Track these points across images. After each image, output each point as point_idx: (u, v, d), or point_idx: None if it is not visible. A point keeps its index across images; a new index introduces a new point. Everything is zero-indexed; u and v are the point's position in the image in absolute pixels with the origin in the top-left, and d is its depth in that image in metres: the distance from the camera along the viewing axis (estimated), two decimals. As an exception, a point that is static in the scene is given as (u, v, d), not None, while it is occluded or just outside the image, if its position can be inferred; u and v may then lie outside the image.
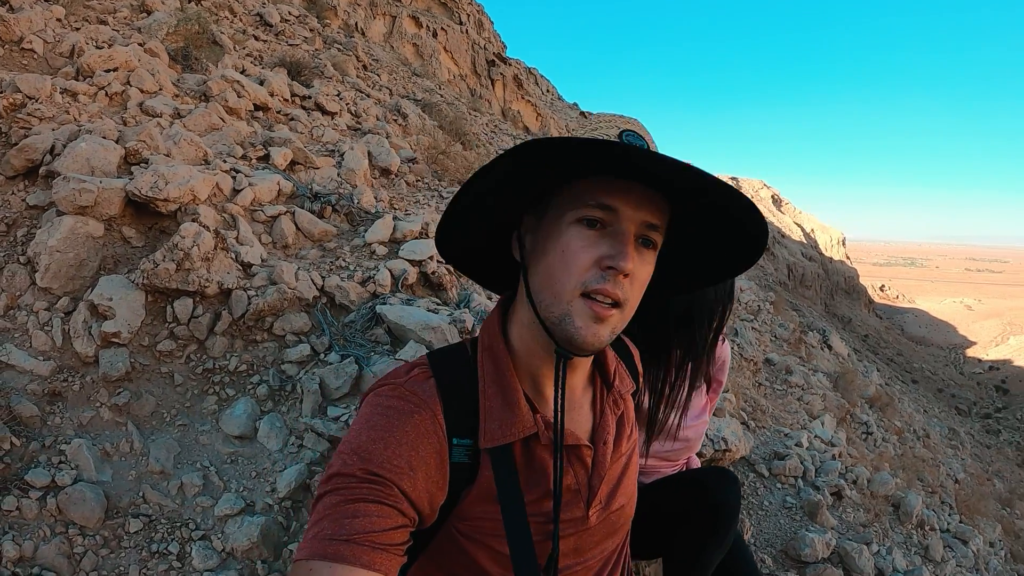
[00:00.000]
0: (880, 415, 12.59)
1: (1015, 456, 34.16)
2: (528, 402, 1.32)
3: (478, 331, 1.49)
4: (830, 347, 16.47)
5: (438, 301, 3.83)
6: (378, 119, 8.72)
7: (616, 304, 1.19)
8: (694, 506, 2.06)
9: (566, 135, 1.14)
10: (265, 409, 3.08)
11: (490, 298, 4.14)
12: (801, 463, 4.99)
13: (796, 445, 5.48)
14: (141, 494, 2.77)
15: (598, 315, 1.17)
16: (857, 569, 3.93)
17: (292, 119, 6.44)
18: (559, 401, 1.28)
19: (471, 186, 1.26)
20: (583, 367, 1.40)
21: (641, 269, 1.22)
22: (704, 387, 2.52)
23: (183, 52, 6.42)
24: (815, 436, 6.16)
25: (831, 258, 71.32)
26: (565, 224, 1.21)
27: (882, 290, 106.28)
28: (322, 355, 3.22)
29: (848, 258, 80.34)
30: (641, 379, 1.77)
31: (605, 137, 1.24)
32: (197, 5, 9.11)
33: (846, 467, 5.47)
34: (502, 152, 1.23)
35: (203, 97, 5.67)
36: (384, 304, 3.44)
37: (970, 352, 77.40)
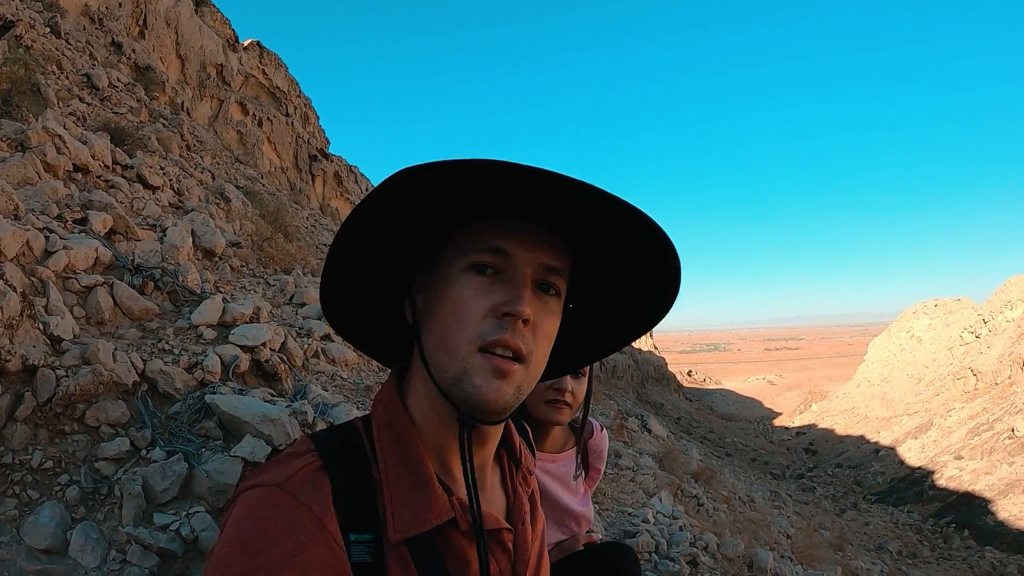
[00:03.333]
0: (707, 487, 13.17)
1: (832, 507, 37.64)
2: (440, 483, 1.13)
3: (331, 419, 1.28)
4: (650, 430, 17.58)
5: (273, 392, 3.50)
6: (201, 200, 8.31)
7: (518, 357, 1.07)
8: None
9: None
10: (77, 516, 2.56)
11: (326, 389, 3.85)
12: (652, 538, 5.15)
13: (643, 522, 5.64)
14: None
15: (499, 369, 1.05)
16: (734, 623, 4.08)
17: (113, 186, 5.95)
18: (470, 477, 1.11)
19: (345, 237, 1.13)
20: (492, 440, 1.24)
21: (544, 318, 1.12)
22: (583, 475, 2.59)
23: (3, 96, 5.84)
24: (657, 512, 6.33)
25: (640, 349, 74.41)
26: (455, 274, 1.11)
27: (690, 375, 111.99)
28: (144, 451, 2.77)
29: (656, 348, 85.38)
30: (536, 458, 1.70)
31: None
32: (25, 52, 8.48)
33: (694, 536, 5.67)
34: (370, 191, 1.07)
35: (20, 147, 5.11)
36: (214, 393, 3.08)
37: (777, 422, 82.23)
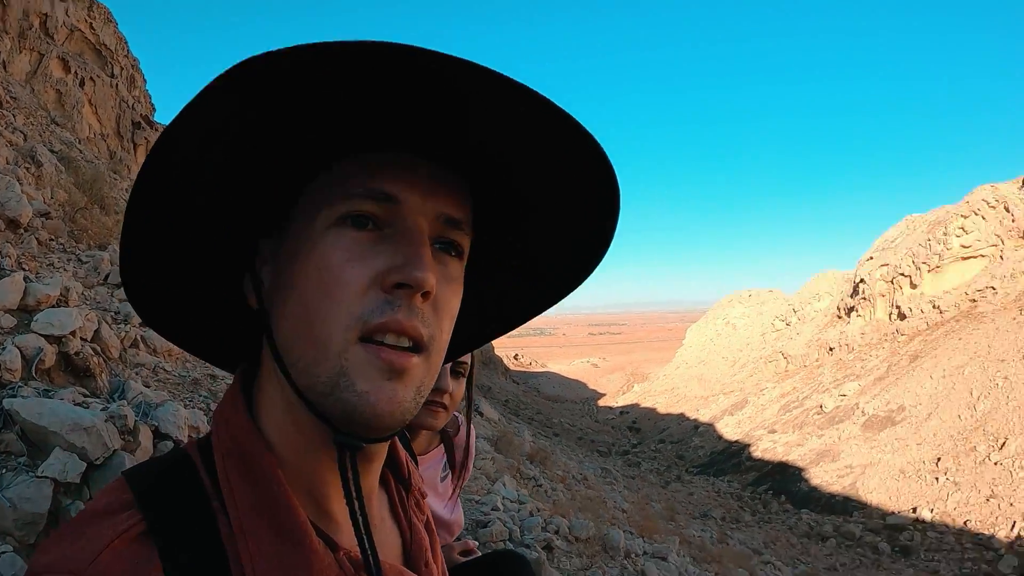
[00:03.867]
0: (542, 468, 13.69)
1: (658, 480, 40.72)
2: (316, 530, 0.81)
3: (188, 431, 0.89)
4: (481, 414, 18.14)
5: (85, 392, 3.05)
6: (8, 162, 7.46)
7: (417, 347, 0.77)
8: None
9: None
10: None
11: (148, 385, 3.43)
12: (505, 526, 5.18)
13: (493, 509, 5.72)
14: None
15: (392, 365, 0.75)
16: (600, 610, 4.12)
17: None
18: (360, 520, 0.79)
19: (143, 187, 0.76)
20: (378, 459, 0.92)
21: (447, 289, 0.82)
22: (450, 476, 2.40)
23: None
24: (504, 497, 6.41)
25: (466, 333, 78.27)
26: (319, 232, 0.78)
27: (516, 359, 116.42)
28: (-78, 473, 2.30)
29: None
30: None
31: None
32: None
33: (545, 520, 5.78)
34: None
35: None
36: (14, 397, 2.62)
37: (602, 402, 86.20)
